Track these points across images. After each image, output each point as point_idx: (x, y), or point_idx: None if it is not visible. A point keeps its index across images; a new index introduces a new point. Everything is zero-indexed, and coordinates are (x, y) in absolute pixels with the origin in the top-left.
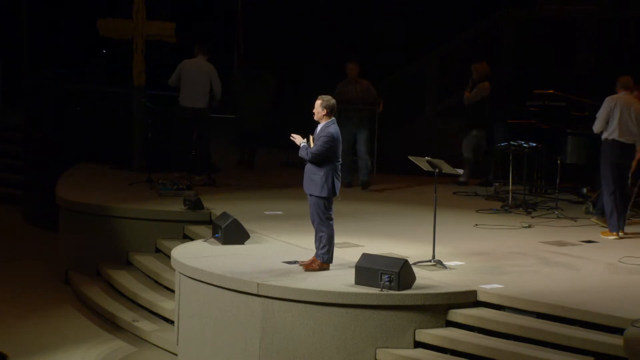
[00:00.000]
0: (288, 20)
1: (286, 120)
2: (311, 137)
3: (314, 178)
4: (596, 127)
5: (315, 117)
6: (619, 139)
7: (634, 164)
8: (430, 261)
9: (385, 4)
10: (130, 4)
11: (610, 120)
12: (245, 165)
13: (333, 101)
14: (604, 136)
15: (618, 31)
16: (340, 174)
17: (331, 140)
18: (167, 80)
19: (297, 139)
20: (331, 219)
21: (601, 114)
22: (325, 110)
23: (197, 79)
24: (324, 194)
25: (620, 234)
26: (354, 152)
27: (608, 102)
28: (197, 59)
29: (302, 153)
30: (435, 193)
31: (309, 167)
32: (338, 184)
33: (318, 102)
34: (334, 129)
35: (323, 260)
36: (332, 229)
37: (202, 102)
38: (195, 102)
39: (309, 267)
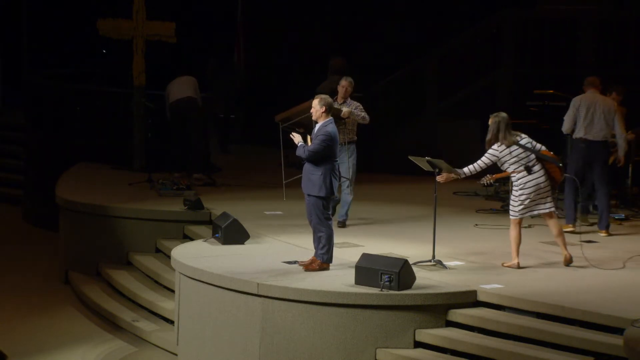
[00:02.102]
0: (288, 20)
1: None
2: (309, 137)
3: (312, 178)
4: (564, 128)
5: (314, 117)
6: (584, 137)
7: (621, 159)
8: (430, 261)
9: (386, 4)
10: (130, 4)
11: (577, 119)
12: (221, 149)
13: (330, 100)
14: (574, 135)
15: (618, 31)
16: (337, 173)
17: (329, 140)
18: (167, 80)
19: (296, 137)
20: (330, 219)
21: (567, 115)
22: (323, 109)
23: (183, 81)
24: (322, 193)
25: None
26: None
27: (573, 103)
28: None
29: (299, 152)
30: (435, 193)
31: (307, 167)
32: (336, 184)
33: (316, 101)
34: (332, 128)
35: (323, 260)
36: (331, 229)
37: (190, 92)
38: (183, 92)
39: (308, 267)
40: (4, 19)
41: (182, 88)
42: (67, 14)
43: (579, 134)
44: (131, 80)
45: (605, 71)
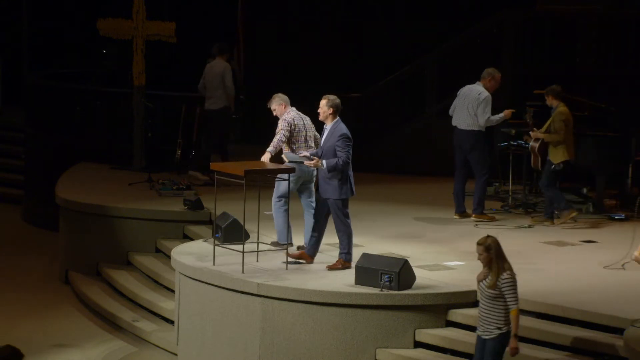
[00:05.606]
0: (287, 20)
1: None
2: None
3: (331, 182)
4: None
5: (321, 117)
6: (453, 124)
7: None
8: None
9: (386, 4)
10: (130, 4)
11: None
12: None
13: (338, 100)
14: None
15: (618, 31)
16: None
17: (349, 140)
18: (167, 80)
19: (315, 161)
20: (348, 217)
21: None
22: (331, 110)
23: (212, 80)
24: (344, 195)
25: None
26: None
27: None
28: (215, 61)
29: (332, 169)
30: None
31: (323, 172)
32: (352, 181)
33: (323, 102)
34: (344, 127)
35: (345, 259)
36: (351, 228)
37: (212, 103)
38: (209, 104)
39: (332, 266)
40: (4, 19)
41: (208, 94)
42: (67, 14)
43: (452, 120)
44: (131, 80)
45: (605, 71)
